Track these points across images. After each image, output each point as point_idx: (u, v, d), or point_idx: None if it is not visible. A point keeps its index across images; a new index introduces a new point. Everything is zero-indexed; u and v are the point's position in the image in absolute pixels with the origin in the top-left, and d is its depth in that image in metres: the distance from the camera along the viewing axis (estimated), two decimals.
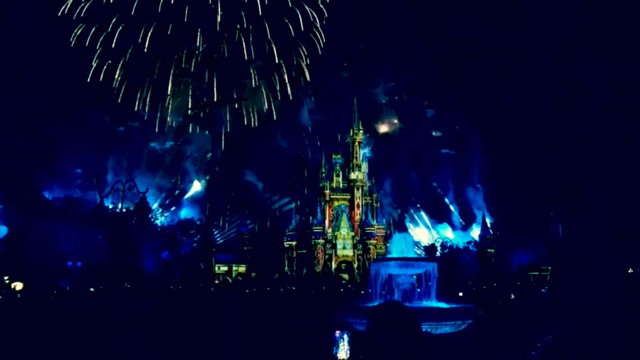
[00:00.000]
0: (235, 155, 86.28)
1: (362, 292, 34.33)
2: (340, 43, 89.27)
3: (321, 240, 77.53)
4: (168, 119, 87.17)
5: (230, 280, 74.86)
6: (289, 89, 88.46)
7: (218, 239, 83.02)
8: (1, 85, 65.81)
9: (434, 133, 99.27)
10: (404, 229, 21.70)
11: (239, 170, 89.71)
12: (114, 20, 79.05)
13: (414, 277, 19.24)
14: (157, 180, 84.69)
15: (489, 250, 77.95)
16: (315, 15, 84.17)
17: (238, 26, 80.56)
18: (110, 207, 55.19)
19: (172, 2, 76.57)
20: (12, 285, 38.82)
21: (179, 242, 69.41)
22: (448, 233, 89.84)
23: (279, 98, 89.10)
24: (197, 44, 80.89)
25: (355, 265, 77.40)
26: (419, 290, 19.35)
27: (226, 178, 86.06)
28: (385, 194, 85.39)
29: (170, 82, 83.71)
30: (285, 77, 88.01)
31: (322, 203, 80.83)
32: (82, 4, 78.60)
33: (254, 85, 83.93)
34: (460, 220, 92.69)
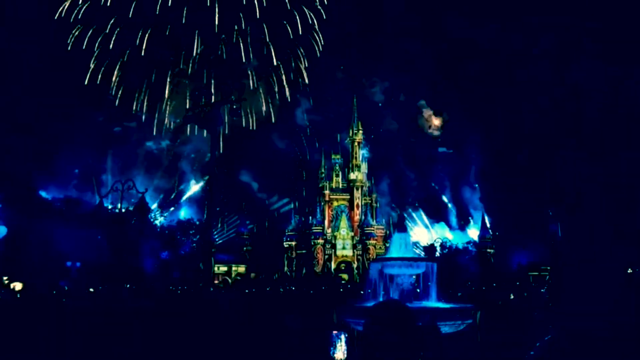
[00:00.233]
0: (233, 156, 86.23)
1: (362, 292, 34.32)
2: (338, 43, 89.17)
3: (321, 241, 77.51)
4: (166, 120, 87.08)
5: (229, 281, 74.84)
6: (287, 91, 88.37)
7: (217, 239, 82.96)
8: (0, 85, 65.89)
9: (427, 129, 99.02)
10: (403, 229, 21.72)
11: (237, 170, 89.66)
12: (111, 22, 78.97)
13: (414, 277, 19.23)
14: (155, 181, 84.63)
15: (488, 250, 77.99)
16: (314, 17, 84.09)
17: (236, 27, 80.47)
18: (110, 207, 55.16)
19: (170, 4, 76.45)
20: (12, 285, 38.81)
21: (179, 243, 69.35)
22: (445, 232, 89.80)
23: (277, 99, 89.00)
24: (195, 46, 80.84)
25: (355, 266, 77.40)
26: (418, 290, 19.34)
27: (224, 178, 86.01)
28: (383, 194, 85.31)
29: (167, 83, 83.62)
30: (284, 78, 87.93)
31: (322, 203, 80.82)
32: (79, 6, 78.50)
33: (251, 88, 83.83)
34: (461, 221, 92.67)
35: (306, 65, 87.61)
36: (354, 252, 78.51)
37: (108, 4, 77.36)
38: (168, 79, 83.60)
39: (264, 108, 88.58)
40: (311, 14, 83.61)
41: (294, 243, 79.99)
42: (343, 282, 67.93)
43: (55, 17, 77.67)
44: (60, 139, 72.78)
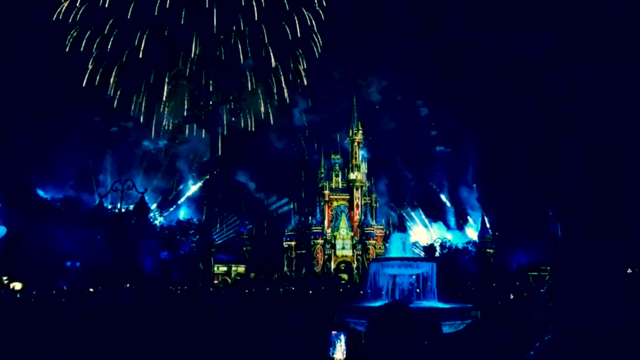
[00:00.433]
0: (231, 156, 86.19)
1: (361, 292, 34.32)
2: (335, 43, 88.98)
3: (320, 241, 77.51)
4: (164, 122, 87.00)
5: (229, 281, 74.82)
6: (285, 92, 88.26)
7: (216, 240, 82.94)
8: None
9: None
10: (403, 229, 21.67)
11: (235, 171, 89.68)
12: (109, 23, 78.85)
13: (413, 277, 19.25)
14: (154, 182, 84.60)
15: (488, 250, 77.97)
16: (312, 19, 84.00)
17: (234, 27, 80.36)
18: (109, 207, 55.15)
19: (168, 5, 76.35)
20: (11, 285, 38.81)
21: (178, 243, 69.33)
22: (444, 232, 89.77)
23: (276, 100, 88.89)
24: (193, 47, 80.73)
25: (355, 266, 77.39)
26: (418, 290, 19.35)
27: (222, 179, 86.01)
28: (381, 194, 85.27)
29: (165, 84, 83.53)
30: (282, 79, 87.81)
31: (322, 203, 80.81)
32: (77, 8, 78.35)
33: (249, 89, 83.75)
34: (460, 220, 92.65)
35: (305, 66, 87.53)
36: (353, 252, 78.50)
37: (106, 6, 77.26)
38: (166, 80, 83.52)
39: (262, 109, 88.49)
40: (310, 15, 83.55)
41: (293, 243, 80.00)
42: (343, 282, 67.90)
43: (53, 19, 77.51)
44: (56, 139, 72.80)
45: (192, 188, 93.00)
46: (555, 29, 72.67)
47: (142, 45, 79.52)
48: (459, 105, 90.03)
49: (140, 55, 79.73)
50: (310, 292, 48.03)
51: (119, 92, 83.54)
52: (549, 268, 62.64)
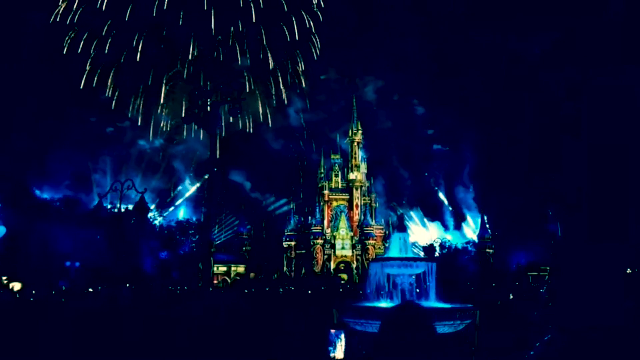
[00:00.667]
0: (229, 157, 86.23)
1: (361, 292, 34.31)
2: (333, 43, 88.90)
3: (320, 241, 77.51)
4: (162, 123, 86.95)
5: (229, 281, 74.82)
6: (283, 93, 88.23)
7: (215, 240, 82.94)
8: None
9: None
10: (402, 229, 21.66)
11: (233, 171, 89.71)
12: (107, 25, 78.79)
13: (413, 277, 19.22)
14: (151, 182, 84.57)
15: (487, 250, 77.98)
16: (311, 20, 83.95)
17: (232, 28, 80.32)
18: (109, 207, 55.14)
19: (166, 7, 76.29)
20: (11, 285, 38.78)
21: (178, 243, 69.34)
22: (441, 232, 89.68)
23: (274, 101, 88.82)
24: (191, 48, 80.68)
25: (354, 266, 77.41)
26: (417, 290, 19.32)
27: (221, 179, 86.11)
28: (379, 194, 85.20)
29: (163, 85, 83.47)
30: (280, 80, 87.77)
31: (321, 203, 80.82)
32: (74, 10, 78.29)
33: (247, 90, 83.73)
34: (459, 218, 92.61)
35: (303, 68, 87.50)
36: (353, 252, 78.51)
37: (103, 8, 77.18)
38: (164, 81, 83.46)
39: (260, 109, 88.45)
40: (308, 17, 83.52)
41: (293, 243, 80.00)
42: (342, 282, 67.90)
43: (50, 22, 77.43)
44: (53, 139, 72.84)
45: (190, 188, 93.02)
46: (555, 29, 72.65)
47: (140, 47, 79.53)
48: (457, 105, 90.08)
49: (138, 57, 79.73)
50: (310, 292, 48.02)
51: (116, 94, 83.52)
52: (548, 268, 62.64)
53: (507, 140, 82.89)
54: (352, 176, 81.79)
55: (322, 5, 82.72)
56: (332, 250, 78.18)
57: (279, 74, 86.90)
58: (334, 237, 78.81)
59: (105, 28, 78.65)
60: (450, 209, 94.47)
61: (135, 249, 53.67)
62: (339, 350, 12.16)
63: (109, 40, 79.19)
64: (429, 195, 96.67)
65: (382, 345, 3.58)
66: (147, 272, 54.97)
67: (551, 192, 68.61)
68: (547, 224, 69.21)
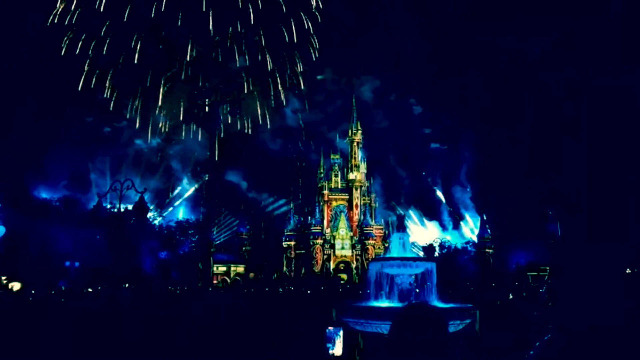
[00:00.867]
0: (229, 157, 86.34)
1: (360, 292, 34.30)
2: (329, 42, 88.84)
3: (319, 241, 77.49)
4: (160, 124, 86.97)
5: (228, 281, 74.84)
6: (282, 94, 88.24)
7: (215, 239, 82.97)
8: None
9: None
10: (402, 229, 21.64)
11: (231, 171, 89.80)
12: (105, 26, 78.74)
13: (413, 277, 19.22)
14: (148, 182, 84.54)
15: (487, 250, 77.97)
16: (309, 22, 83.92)
17: (230, 29, 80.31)
18: (109, 207, 55.11)
19: (163, 8, 76.25)
20: (10, 285, 38.74)
21: (178, 242, 69.35)
22: (439, 231, 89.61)
23: (272, 102, 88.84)
24: (189, 49, 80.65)
25: (354, 266, 77.40)
26: (417, 290, 19.32)
27: (220, 179, 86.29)
28: (377, 194, 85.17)
29: (161, 86, 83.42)
30: (279, 81, 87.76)
31: (321, 203, 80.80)
32: (72, 12, 78.23)
33: (245, 91, 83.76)
34: (456, 216, 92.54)
35: (301, 69, 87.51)
36: (352, 252, 78.49)
37: (102, 9, 77.16)
38: (162, 82, 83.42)
39: (258, 110, 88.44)
40: (307, 18, 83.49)
41: (293, 243, 79.98)
42: (342, 282, 67.92)
43: (48, 23, 77.37)
44: (50, 139, 72.84)
45: (188, 188, 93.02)
46: (555, 29, 72.65)
47: (138, 48, 79.52)
48: (457, 105, 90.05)
49: (136, 57, 79.71)
50: (310, 292, 48.05)
51: (114, 95, 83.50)
52: (548, 268, 62.66)
53: (507, 140, 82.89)
54: (351, 176, 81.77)
55: (321, 7, 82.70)
56: (332, 250, 78.17)
57: (277, 75, 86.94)
58: (334, 237, 78.80)
59: (104, 29, 78.66)
60: (450, 208, 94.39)
61: (135, 249, 53.68)
62: (338, 348, 12.16)
63: (107, 41, 79.19)
64: (427, 195, 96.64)
65: (394, 346, 3.55)
66: (147, 272, 54.99)
67: (551, 192, 68.58)
68: (547, 224, 69.16)
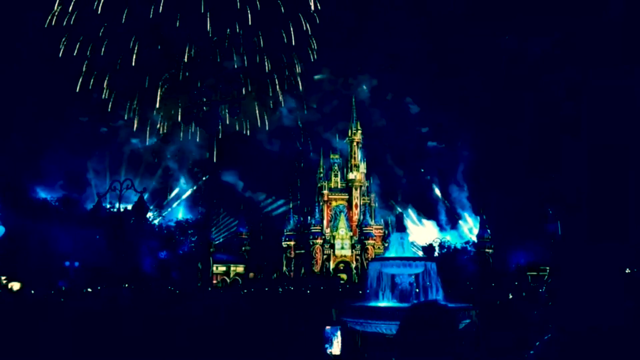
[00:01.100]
0: (228, 157, 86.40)
1: (360, 292, 34.30)
2: (326, 42, 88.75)
3: (319, 240, 77.45)
4: (158, 124, 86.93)
5: (228, 281, 74.85)
6: (280, 95, 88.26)
7: (214, 239, 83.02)
8: None
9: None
10: (402, 229, 21.58)
11: (229, 171, 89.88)
12: (103, 27, 78.69)
13: (412, 276, 19.21)
14: (145, 182, 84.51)
15: (487, 250, 77.96)
16: (308, 24, 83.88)
17: (228, 30, 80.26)
18: (108, 207, 55.10)
19: (161, 10, 76.19)
20: (10, 285, 38.75)
21: (177, 242, 69.32)
22: (437, 231, 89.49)
23: (270, 103, 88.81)
24: (186, 51, 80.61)
25: (354, 265, 77.36)
26: (417, 290, 19.32)
27: (218, 179, 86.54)
28: (374, 193, 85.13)
29: (159, 87, 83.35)
30: (277, 81, 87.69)
31: (321, 203, 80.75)
32: (69, 14, 78.18)
33: (244, 92, 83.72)
34: (455, 216, 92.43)
35: (299, 71, 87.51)
36: (352, 252, 78.46)
37: (99, 11, 77.13)
38: (160, 83, 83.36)
39: (256, 111, 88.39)
40: (305, 20, 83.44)
41: (292, 243, 79.94)
42: (342, 282, 67.91)
43: (46, 25, 77.35)
44: (46, 139, 72.86)
45: (186, 188, 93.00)
46: (555, 29, 72.63)
47: (136, 49, 79.48)
48: (456, 105, 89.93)
49: (134, 58, 79.68)
50: (309, 292, 48.05)
51: (112, 96, 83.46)
52: (548, 268, 62.62)
53: (507, 140, 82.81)
54: (351, 176, 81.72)
55: (319, 8, 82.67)
56: (332, 250, 78.14)
57: (275, 76, 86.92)
58: (334, 237, 78.76)
59: (102, 30, 78.62)
60: (448, 205, 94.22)
61: (135, 249, 53.70)
62: (336, 347, 12.15)
63: (105, 42, 79.16)
64: (424, 194, 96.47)
65: (404, 345, 3.54)
66: (147, 272, 54.96)
67: (551, 192, 68.59)
68: (547, 224, 69.12)
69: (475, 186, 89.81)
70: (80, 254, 47.58)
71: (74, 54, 79.13)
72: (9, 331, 16.45)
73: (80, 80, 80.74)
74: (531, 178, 73.51)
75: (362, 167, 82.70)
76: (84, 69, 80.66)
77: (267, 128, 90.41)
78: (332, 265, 77.13)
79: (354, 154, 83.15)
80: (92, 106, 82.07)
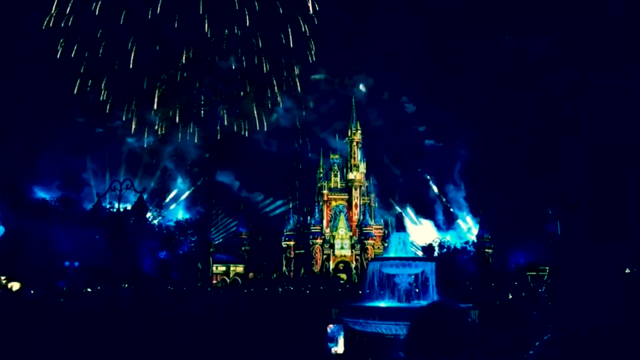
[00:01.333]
0: (224, 157, 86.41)
1: (360, 292, 34.31)
2: (324, 42, 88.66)
3: (319, 240, 77.43)
4: (156, 125, 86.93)
5: (228, 281, 74.84)
6: (278, 97, 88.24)
7: (215, 239, 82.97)
8: None
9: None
10: (402, 229, 21.56)
11: (220, 171, 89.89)
12: (100, 29, 78.61)
13: (412, 276, 19.20)
14: (142, 182, 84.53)
15: (486, 250, 77.92)
16: (306, 25, 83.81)
17: (227, 31, 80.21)
18: (108, 207, 55.08)
19: (159, 11, 76.12)
20: (9, 285, 38.73)
21: (177, 242, 69.28)
22: (435, 230, 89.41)
23: (269, 103, 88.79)
24: (184, 52, 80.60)
25: (353, 265, 77.33)
26: (417, 290, 19.32)
27: (216, 179, 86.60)
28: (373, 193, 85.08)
29: (157, 88, 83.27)
30: (275, 82, 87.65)
31: (320, 203, 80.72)
32: (67, 15, 78.11)
33: (242, 93, 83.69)
34: (453, 217, 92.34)
35: (297, 72, 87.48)
36: (352, 252, 78.42)
37: (97, 13, 77.06)
38: (158, 84, 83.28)
39: (255, 111, 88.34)
40: (303, 21, 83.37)
41: (292, 243, 79.90)
42: (341, 282, 67.91)
43: (44, 27, 77.28)
44: (44, 140, 72.87)
45: (183, 188, 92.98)
46: (556, 29, 72.61)
47: (134, 50, 79.43)
48: (456, 105, 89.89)
49: (132, 59, 79.62)
50: (309, 292, 48.06)
51: (110, 98, 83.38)
52: (547, 268, 62.63)
53: (507, 140, 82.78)
54: (351, 176, 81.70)
55: (317, 9, 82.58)
56: (331, 250, 78.11)
57: (273, 77, 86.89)
58: (333, 237, 78.73)
59: (100, 31, 78.56)
60: (447, 204, 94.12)
61: (135, 249, 53.63)
62: (340, 346, 12.14)
63: (103, 43, 79.09)
64: (422, 193, 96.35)
65: (415, 346, 3.54)
66: (147, 272, 54.91)
67: (551, 192, 68.58)
68: (547, 224, 69.15)
69: (474, 186, 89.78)
70: (80, 254, 47.50)
71: (72, 55, 79.11)
72: (8, 331, 16.44)
73: (79, 81, 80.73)
74: (531, 178, 73.50)
75: (362, 167, 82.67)
76: (82, 70, 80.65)
77: (265, 129, 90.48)
78: (331, 265, 77.10)
79: (354, 154, 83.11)
80: (90, 107, 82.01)
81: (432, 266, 19.22)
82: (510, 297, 37.63)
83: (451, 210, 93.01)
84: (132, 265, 51.01)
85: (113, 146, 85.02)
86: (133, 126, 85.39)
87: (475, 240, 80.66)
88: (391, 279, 19.02)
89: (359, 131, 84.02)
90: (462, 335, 3.40)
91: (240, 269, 77.40)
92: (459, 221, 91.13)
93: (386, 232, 77.75)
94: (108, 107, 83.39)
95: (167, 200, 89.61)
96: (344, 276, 73.67)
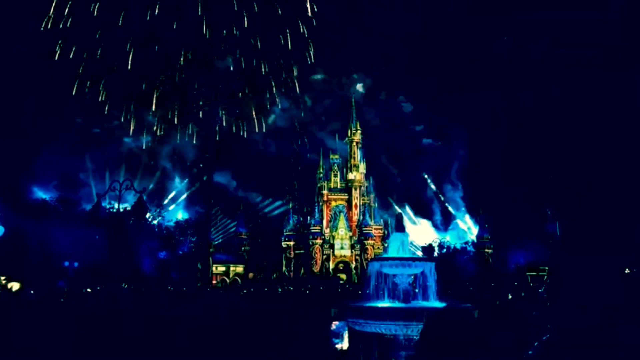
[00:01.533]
0: (223, 158, 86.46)
1: (360, 292, 34.33)
2: (322, 42, 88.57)
3: (319, 241, 77.44)
4: (155, 127, 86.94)
5: (228, 281, 74.86)
6: (276, 98, 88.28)
7: (215, 239, 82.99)
8: None
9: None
10: (401, 229, 21.61)
11: (222, 171, 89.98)
12: (99, 31, 78.58)
13: (412, 276, 19.23)
14: (141, 182, 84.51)
15: (486, 250, 77.93)
16: (305, 26, 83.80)
17: (225, 32, 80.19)
18: (107, 207, 55.06)
19: (157, 12, 76.11)
20: (9, 285, 38.74)
21: (177, 242, 69.28)
22: (432, 230, 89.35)
23: (268, 104, 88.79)
24: (183, 53, 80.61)
25: (353, 266, 77.35)
26: (416, 290, 19.34)
27: (215, 179, 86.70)
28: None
29: (155, 89, 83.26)
30: (273, 83, 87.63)
31: (320, 203, 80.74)
32: (65, 17, 78.09)
33: (240, 94, 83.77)
34: (451, 217, 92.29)
35: (296, 74, 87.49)
36: (352, 252, 78.44)
37: (95, 14, 77.03)
38: (156, 84, 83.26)
39: (253, 112, 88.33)
40: (302, 23, 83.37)
41: (292, 243, 79.90)
42: (341, 282, 67.93)
43: (42, 28, 77.25)
44: (42, 140, 72.90)
45: (182, 188, 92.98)
46: (556, 28, 72.61)
47: (132, 51, 79.43)
48: (454, 104, 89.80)
49: (130, 60, 79.61)
50: (309, 292, 48.08)
51: (109, 99, 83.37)
52: (547, 268, 62.65)
53: (507, 140, 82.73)
54: (351, 176, 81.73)
55: (316, 10, 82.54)
56: (331, 250, 78.13)
57: (272, 78, 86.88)
58: (333, 237, 78.75)
59: (98, 33, 78.51)
60: (446, 204, 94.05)
61: (134, 249, 53.65)
62: (345, 342, 12.16)
63: (101, 44, 79.05)
64: (420, 193, 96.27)
65: (428, 348, 3.58)
66: (146, 272, 54.93)
67: (551, 192, 68.58)
68: (547, 224, 69.14)
69: (472, 185, 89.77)
70: (79, 254, 47.50)
71: (71, 56, 79.08)
72: (8, 331, 16.44)
73: (77, 82, 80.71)
74: (531, 178, 73.49)
75: (362, 167, 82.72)
76: (80, 71, 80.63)
77: (263, 129, 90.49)
78: (331, 266, 77.11)
79: (354, 154, 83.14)
80: (89, 107, 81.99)
81: (432, 266, 19.24)
82: (510, 297, 37.66)
83: (449, 210, 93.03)
84: (132, 266, 51.03)
85: (111, 147, 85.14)
86: (131, 127, 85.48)
87: (475, 241, 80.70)
88: (391, 279, 19.03)
89: (359, 131, 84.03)
90: (473, 337, 3.44)
91: (240, 269, 77.42)
92: (458, 221, 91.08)
93: (386, 232, 77.79)
94: (106, 108, 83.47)
95: (167, 200, 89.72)
96: (343, 276, 73.71)
